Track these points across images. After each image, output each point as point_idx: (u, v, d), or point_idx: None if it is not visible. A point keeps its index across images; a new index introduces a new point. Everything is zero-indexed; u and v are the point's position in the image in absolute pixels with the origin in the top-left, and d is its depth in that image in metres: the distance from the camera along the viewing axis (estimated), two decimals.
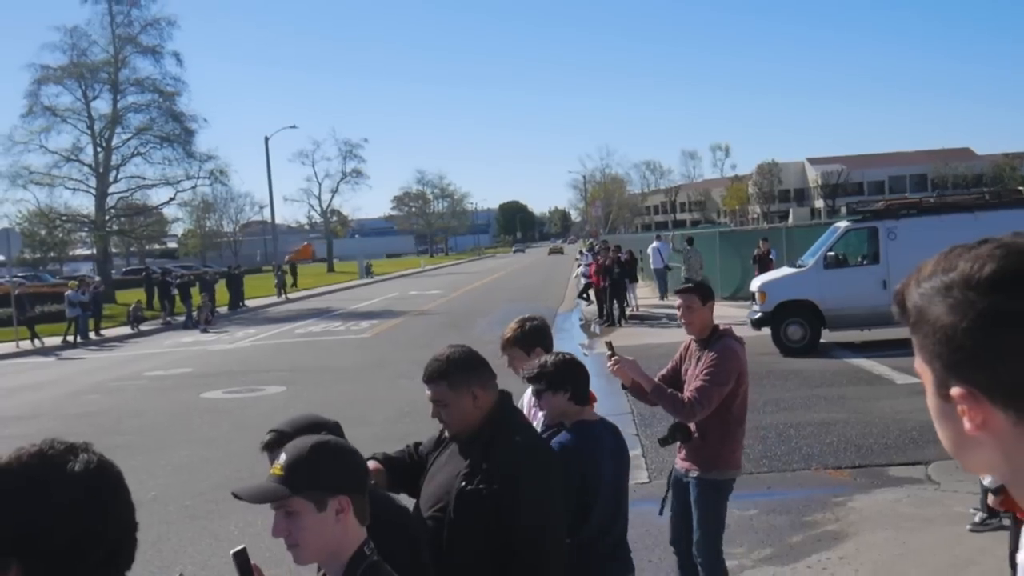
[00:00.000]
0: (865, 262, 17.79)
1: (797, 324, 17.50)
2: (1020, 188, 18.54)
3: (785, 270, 19.55)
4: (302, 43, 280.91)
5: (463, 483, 3.27)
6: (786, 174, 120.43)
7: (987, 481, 5.95)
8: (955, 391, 1.12)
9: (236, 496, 2.33)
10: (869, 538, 7.49)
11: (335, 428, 2.96)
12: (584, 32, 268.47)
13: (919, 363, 1.19)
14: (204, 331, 32.87)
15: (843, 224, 18.83)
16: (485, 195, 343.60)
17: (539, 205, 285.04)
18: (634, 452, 9.09)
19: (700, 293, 5.51)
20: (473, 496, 3.23)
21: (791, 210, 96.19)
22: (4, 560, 1.55)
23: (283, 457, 2.37)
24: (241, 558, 2.58)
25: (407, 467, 3.70)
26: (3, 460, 1.61)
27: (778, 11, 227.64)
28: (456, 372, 3.35)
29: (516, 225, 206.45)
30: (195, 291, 38.51)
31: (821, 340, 17.54)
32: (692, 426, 5.43)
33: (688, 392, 5.33)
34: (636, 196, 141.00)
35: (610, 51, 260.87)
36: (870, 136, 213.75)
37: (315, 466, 2.33)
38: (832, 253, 18.01)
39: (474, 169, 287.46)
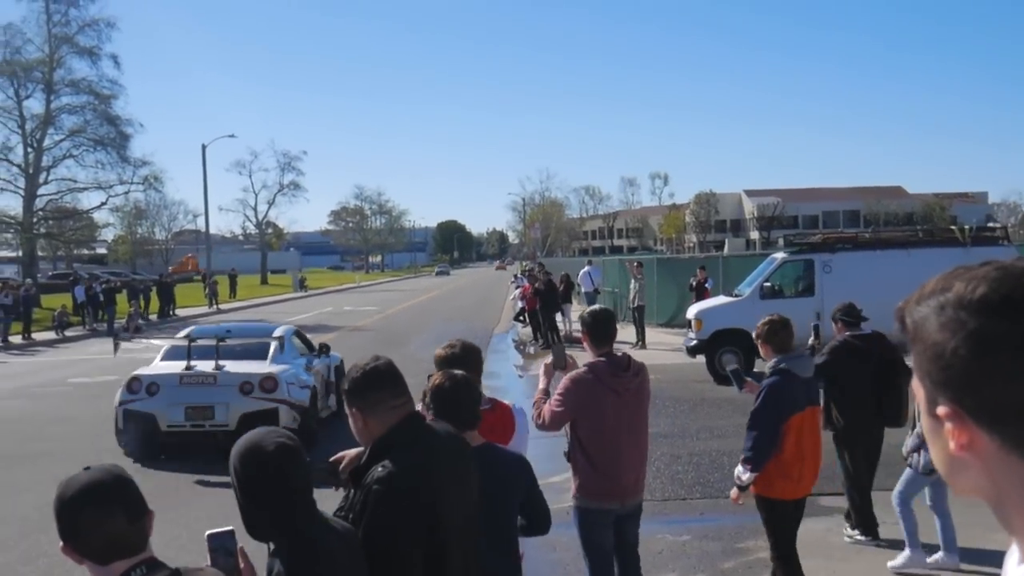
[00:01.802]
0: (801, 294, 18.04)
1: (732, 352, 17.48)
2: (952, 227, 19.12)
3: (722, 299, 19.76)
4: (243, 53, 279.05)
5: (340, 505, 3.25)
6: (723, 204, 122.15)
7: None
8: (941, 410, 1.11)
9: None
10: None
11: (279, 450, 2.80)
12: (528, 55, 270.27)
13: (915, 380, 1.18)
14: (129, 340, 32.14)
15: (780, 255, 19.13)
16: (424, 213, 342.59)
17: (477, 226, 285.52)
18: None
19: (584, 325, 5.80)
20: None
21: (727, 240, 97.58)
22: None
23: None
24: (220, 540, 2.57)
25: None
26: None
27: (720, 43, 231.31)
28: (346, 391, 3.29)
29: (454, 244, 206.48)
30: (121, 298, 37.79)
31: (755, 369, 17.70)
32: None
33: (545, 407, 5.65)
34: (575, 220, 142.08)
35: (553, 75, 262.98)
36: (806, 170, 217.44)
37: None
38: (768, 284, 18.25)
39: (413, 187, 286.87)
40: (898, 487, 7.42)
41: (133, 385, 12.48)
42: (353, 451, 3.59)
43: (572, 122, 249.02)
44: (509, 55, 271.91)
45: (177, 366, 12.57)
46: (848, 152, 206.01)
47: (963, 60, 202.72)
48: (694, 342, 18.13)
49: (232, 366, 12.48)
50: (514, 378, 19.48)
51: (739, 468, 6.18)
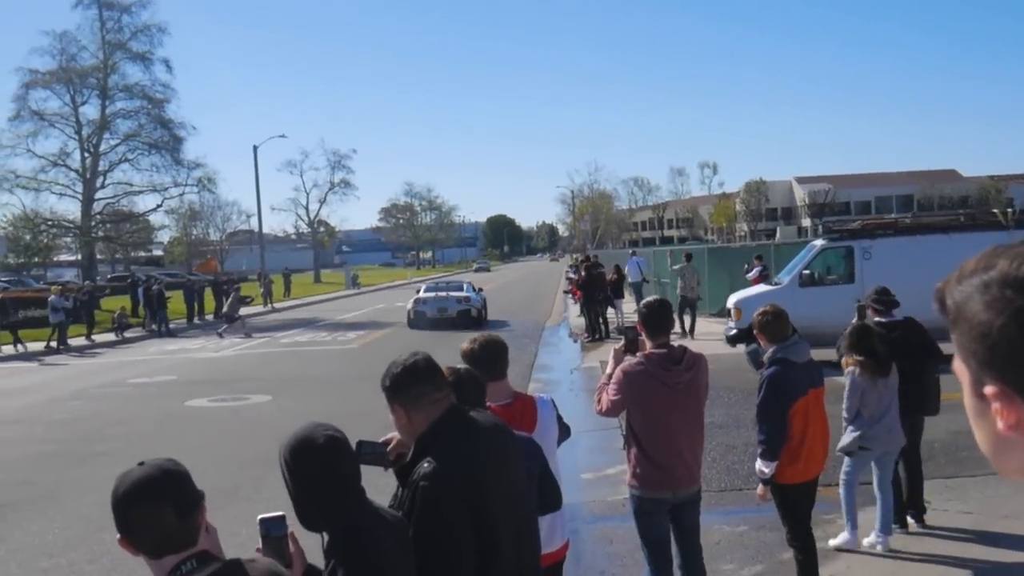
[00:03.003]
0: (840, 281, 17.92)
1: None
2: (995, 211, 18.76)
3: (762, 287, 19.65)
4: (292, 53, 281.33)
5: (390, 504, 3.26)
6: (773, 192, 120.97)
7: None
8: (989, 389, 1.10)
9: None
10: (860, 556, 7.45)
11: (329, 441, 2.88)
12: (574, 47, 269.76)
13: (957, 362, 1.17)
14: (221, 336, 32.45)
15: (819, 243, 18.97)
16: (473, 208, 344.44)
17: (527, 219, 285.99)
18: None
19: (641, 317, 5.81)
20: None
21: (778, 228, 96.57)
22: None
23: None
24: (270, 525, 2.64)
25: None
26: None
27: (768, 30, 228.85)
28: (388, 387, 3.31)
29: (503, 238, 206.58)
30: (178, 298, 38.24)
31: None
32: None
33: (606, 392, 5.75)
34: (624, 212, 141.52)
35: (600, 66, 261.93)
36: (857, 156, 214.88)
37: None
38: (807, 271, 18.14)
39: (462, 182, 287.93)
40: (843, 470, 7.70)
41: (417, 300, 32.38)
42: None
43: (619, 113, 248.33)
44: (555, 47, 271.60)
45: (432, 293, 32.82)
46: (900, 136, 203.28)
47: (1013, 42, 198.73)
48: (734, 331, 18.03)
49: (452, 294, 32.43)
50: (564, 372, 19.48)
51: (759, 463, 6.32)
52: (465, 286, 34.31)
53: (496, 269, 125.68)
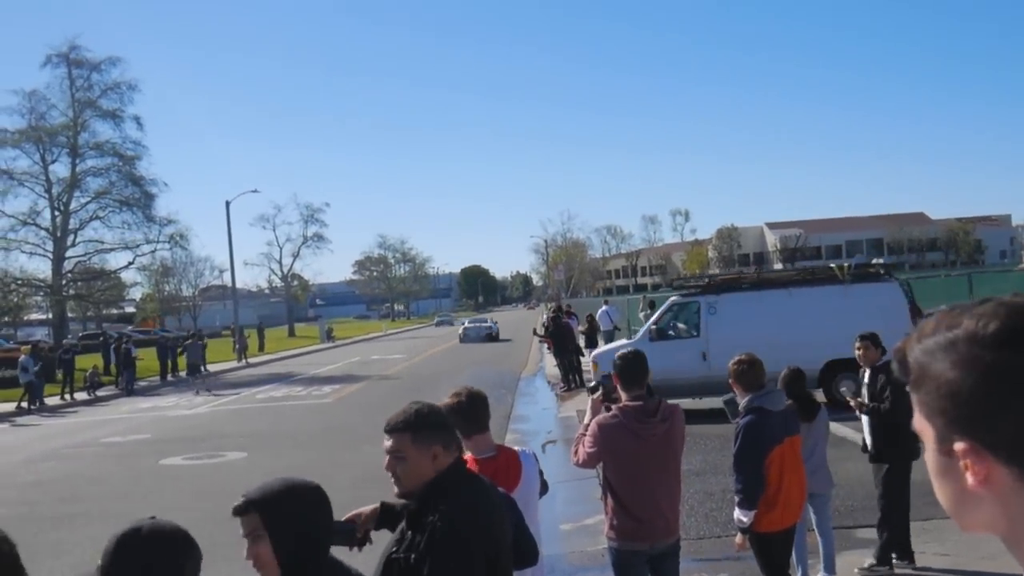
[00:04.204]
0: (687, 335, 18.41)
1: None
2: (832, 265, 19.37)
3: (621, 342, 20.45)
4: (263, 109, 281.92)
5: (393, 549, 3.24)
6: (745, 238, 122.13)
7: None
8: (959, 446, 1.11)
9: None
10: None
11: (314, 491, 2.88)
12: (545, 99, 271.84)
13: (918, 420, 1.19)
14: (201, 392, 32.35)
15: (673, 298, 19.61)
16: (447, 259, 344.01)
17: (501, 269, 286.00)
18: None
19: (615, 368, 5.81)
20: (395, 565, 3.19)
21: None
22: None
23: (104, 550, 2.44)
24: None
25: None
26: None
27: (736, 81, 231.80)
28: (424, 427, 3.26)
29: (478, 289, 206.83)
30: (151, 355, 37.90)
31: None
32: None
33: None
34: (598, 260, 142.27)
35: (571, 118, 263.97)
36: (827, 201, 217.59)
37: (133, 555, 2.42)
38: (657, 326, 18.74)
39: (436, 233, 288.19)
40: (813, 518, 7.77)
41: (465, 327, 62.53)
42: (367, 508, 3.63)
43: (591, 163, 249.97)
44: (527, 99, 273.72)
45: (472, 324, 64.39)
46: (869, 181, 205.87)
47: (982, 84, 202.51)
48: (591, 383, 18.35)
49: (482, 324, 63.37)
50: (542, 420, 19.47)
51: (736, 512, 6.31)
52: (488, 320, 68.37)
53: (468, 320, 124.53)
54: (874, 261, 20.38)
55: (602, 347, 20.52)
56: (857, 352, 8.42)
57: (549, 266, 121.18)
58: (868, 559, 8.11)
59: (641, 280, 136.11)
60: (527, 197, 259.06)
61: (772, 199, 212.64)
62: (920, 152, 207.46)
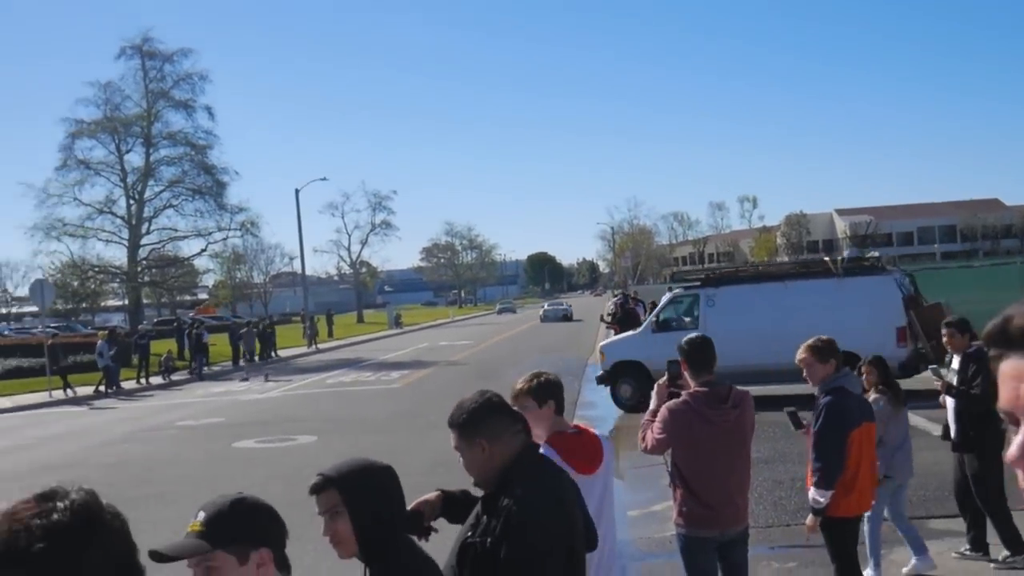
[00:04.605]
0: (686, 327, 18.63)
1: (627, 383, 18.95)
2: (826, 259, 19.87)
3: (628, 333, 21.06)
4: (332, 96, 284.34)
5: (468, 535, 3.28)
6: (814, 225, 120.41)
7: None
8: None
9: (155, 553, 2.25)
10: None
11: (387, 471, 2.93)
12: (614, 84, 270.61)
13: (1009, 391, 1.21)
14: (244, 379, 33.11)
15: (675, 291, 20.54)
16: (514, 246, 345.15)
17: (567, 256, 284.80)
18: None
19: (682, 353, 5.71)
20: (471, 550, 3.22)
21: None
22: None
23: (202, 514, 2.40)
24: None
25: (468, 504, 3.65)
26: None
27: (808, 61, 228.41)
28: (466, 424, 3.33)
29: (545, 276, 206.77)
30: (223, 340, 38.60)
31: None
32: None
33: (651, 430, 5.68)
34: (664, 247, 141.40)
35: (639, 103, 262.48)
36: (899, 187, 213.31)
37: (235, 520, 2.39)
38: (660, 318, 19.50)
39: (503, 220, 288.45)
40: (887, 507, 7.70)
41: (545, 309, 76.59)
42: (430, 496, 3.66)
43: (658, 149, 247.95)
44: (595, 84, 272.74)
45: (551, 307, 78.08)
46: (943, 166, 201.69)
47: None
48: (599, 373, 19.71)
49: (559, 307, 77.12)
50: (609, 407, 19.49)
51: (812, 492, 6.14)
52: (564, 303, 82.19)
53: (535, 306, 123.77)
54: (869, 254, 21.07)
55: (610, 339, 21.09)
56: (944, 339, 8.26)
57: (616, 253, 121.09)
58: (1003, 551, 7.90)
59: (708, 267, 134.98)
60: (594, 184, 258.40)
61: (842, 185, 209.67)
62: (995, 137, 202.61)
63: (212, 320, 66.58)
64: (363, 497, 2.81)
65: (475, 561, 3.19)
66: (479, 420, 3.32)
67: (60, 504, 1.61)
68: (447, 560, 3.29)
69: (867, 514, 7.52)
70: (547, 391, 4.53)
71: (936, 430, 13.31)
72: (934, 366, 8.80)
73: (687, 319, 19.08)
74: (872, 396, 7.47)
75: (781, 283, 18.07)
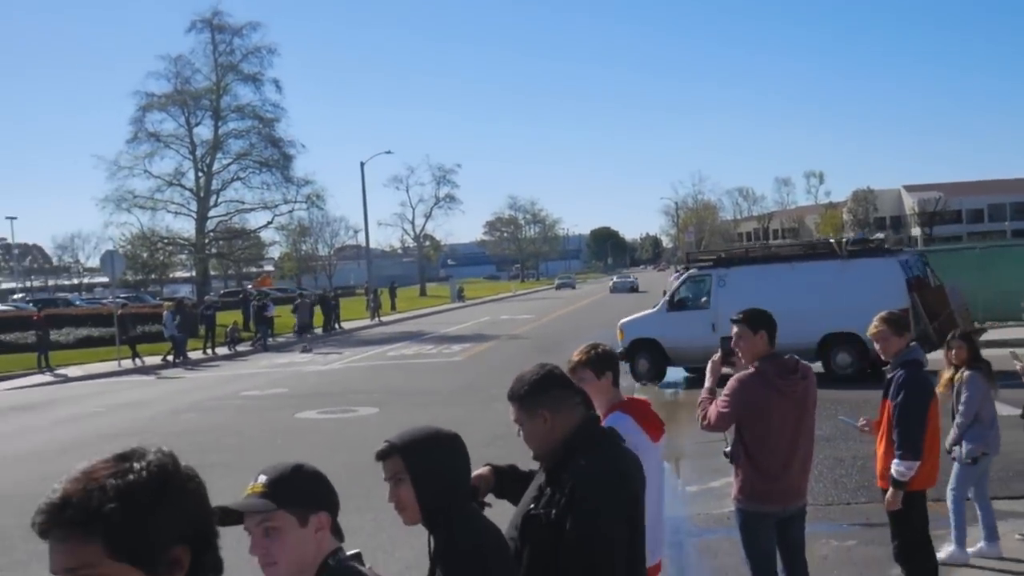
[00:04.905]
0: (699, 306, 19.52)
1: (644, 359, 19.69)
2: (831, 240, 20.67)
3: (646, 311, 21.59)
4: (396, 69, 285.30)
5: (531, 506, 3.28)
6: (882, 201, 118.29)
7: None
8: None
9: (221, 509, 2.27)
10: (970, 572, 7.28)
11: (454, 439, 2.95)
12: (677, 58, 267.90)
13: None
14: (305, 350, 33.59)
15: (691, 271, 20.94)
16: (577, 220, 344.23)
17: (631, 231, 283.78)
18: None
19: (750, 322, 5.54)
20: (535, 521, 3.24)
21: (886, 238, 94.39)
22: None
23: (263, 477, 2.44)
24: None
25: (517, 479, 3.67)
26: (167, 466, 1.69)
27: (875, 36, 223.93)
28: (528, 395, 3.34)
29: (607, 251, 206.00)
30: (287, 311, 39.10)
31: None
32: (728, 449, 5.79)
33: (711, 407, 5.62)
34: (728, 223, 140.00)
35: (704, 77, 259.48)
36: (969, 163, 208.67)
37: (296, 483, 2.43)
38: (675, 297, 20.12)
39: (566, 195, 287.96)
40: (952, 485, 7.54)
41: (614, 281, 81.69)
42: (483, 470, 3.62)
43: (723, 124, 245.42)
44: (658, 58, 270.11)
45: (619, 279, 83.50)
46: (1015, 142, 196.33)
47: None
48: (619, 350, 19.65)
49: (627, 280, 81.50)
50: (671, 379, 19.48)
51: (895, 465, 6.02)
52: (631, 276, 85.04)
53: (597, 281, 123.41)
54: (875, 236, 21.38)
55: (629, 316, 21.34)
56: None
57: (679, 228, 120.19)
58: None
59: (773, 243, 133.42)
60: (658, 159, 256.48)
61: (911, 161, 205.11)
62: None
63: (277, 292, 67.39)
64: (426, 464, 2.84)
65: (539, 532, 3.20)
66: (541, 391, 3.33)
67: (136, 465, 1.62)
68: (507, 532, 3.29)
69: (951, 491, 7.47)
70: (605, 362, 4.48)
71: (1005, 410, 13.12)
72: (1012, 349, 8.64)
73: (703, 299, 19.54)
74: (966, 373, 7.41)
75: (788, 264, 18.59)
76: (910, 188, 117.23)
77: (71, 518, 1.55)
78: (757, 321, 5.54)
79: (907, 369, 6.04)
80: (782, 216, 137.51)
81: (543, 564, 3.17)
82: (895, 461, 6.01)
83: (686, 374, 20.23)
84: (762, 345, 5.52)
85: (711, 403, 5.62)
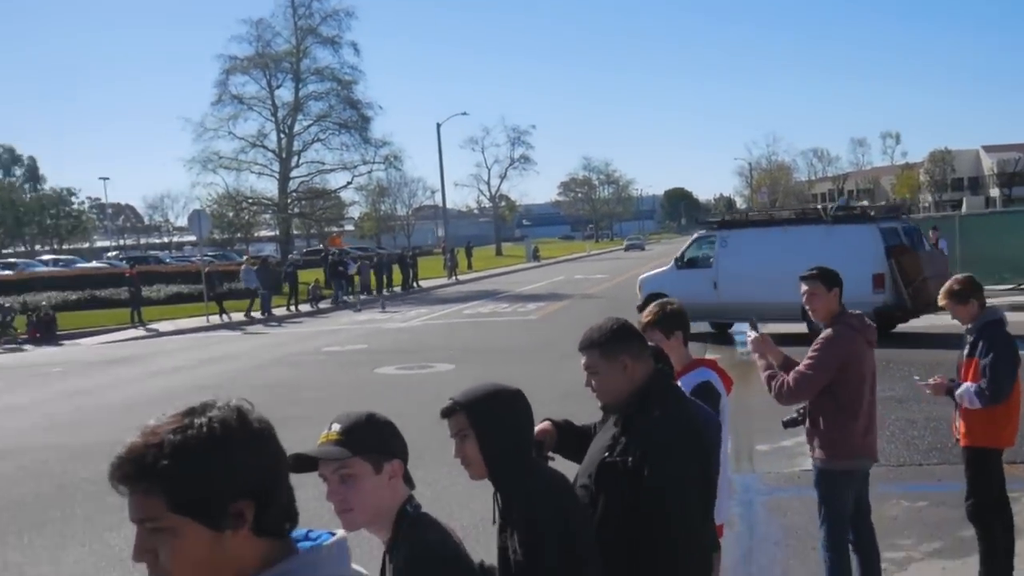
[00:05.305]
0: (704, 265, 20.62)
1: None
2: (817, 207, 21.98)
3: (662, 268, 22.67)
4: (471, 30, 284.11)
5: (605, 455, 3.28)
6: (960, 162, 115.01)
7: None
8: None
9: (297, 456, 2.29)
10: None
11: (516, 395, 3.01)
12: (752, 19, 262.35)
13: None
14: (382, 309, 34.20)
15: (699, 232, 22.29)
16: (650, 181, 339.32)
17: (704, 192, 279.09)
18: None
19: (824, 279, 5.50)
20: (611, 469, 3.23)
21: (964, 199, 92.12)
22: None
23: (337, 425, 2.52)
24: None
25: (579, 434, 3.71)
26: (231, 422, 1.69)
27: None
28: (609, 341, 3.35)
29: (681, 211, 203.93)
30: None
31: None
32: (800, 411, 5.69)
33: (789, 376, 5.42)
34: (802, 183, 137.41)
35: (778, 37, 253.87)
36: None
37: (371, 431, 2.52)
38: (683, 256, 21.31)
39: (640, 156, 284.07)
40: None
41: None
42: (544, 424, 3.63)
43: (798, 85, 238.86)
44: (732, 18, 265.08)
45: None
46: None
47: None
48: (638, 303, 20.57)
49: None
50: (732, 347, 19.50)
51: (971, 395, 5.84)
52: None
53: (671, 242, 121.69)
54: (857, 204, 22.00)
55: (651, 271, 22.81)
56: None
57: (753, 189, 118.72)
58: None
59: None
60: (732, 119, 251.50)
61: (990, 121, 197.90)
62: None
63: (357, 251, 68.20)
64: (489, 421, 2.91)
65: (616, 480, 3.22)
66: (621, 338, 3.37)
67: (198, 420, 1.62)
68: (578, 480, 3.34)
69: None
70: (675, 321, 4.52)
71: None
72: None
73: (705, 258, 20.72)
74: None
75: (780, 228, 19.51)
76: (989, 148, 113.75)
77: (129, 473, 1.58)
78: (831, 279, 5.50)
79: (994, 328, 5.97)
80: (857, 177, 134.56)
81: (618, 511, 3.20)
82: (974, 387, 5.85)
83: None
84: (836, 302, 5.49)
85: (784, 375, 5.47)
